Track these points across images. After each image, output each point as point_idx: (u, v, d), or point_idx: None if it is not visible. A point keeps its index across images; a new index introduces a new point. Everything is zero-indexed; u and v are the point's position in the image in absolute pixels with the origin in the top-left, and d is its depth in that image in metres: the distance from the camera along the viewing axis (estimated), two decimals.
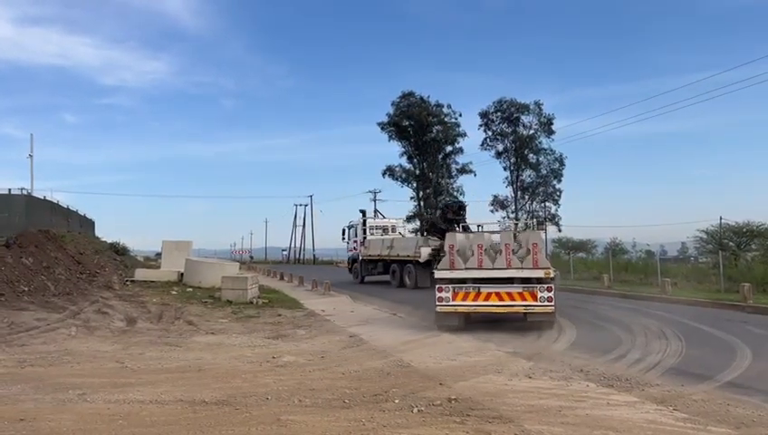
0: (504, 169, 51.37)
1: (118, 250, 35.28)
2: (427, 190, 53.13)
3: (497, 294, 12.32)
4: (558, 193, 50.46)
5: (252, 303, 17.12)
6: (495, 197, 51.58)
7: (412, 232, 39.14)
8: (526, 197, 51.02)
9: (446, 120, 52.32)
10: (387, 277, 26.97)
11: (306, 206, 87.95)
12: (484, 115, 51.38)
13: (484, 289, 12.34)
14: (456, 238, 13.57)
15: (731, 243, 31.38)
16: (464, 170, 52.94)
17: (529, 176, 50.75)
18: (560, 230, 51.12)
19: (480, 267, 12.68)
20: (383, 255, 27.08)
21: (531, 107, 49.80)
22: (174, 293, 19.25)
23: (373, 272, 28.41)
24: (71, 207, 35.69)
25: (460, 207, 25.41)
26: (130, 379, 7.56)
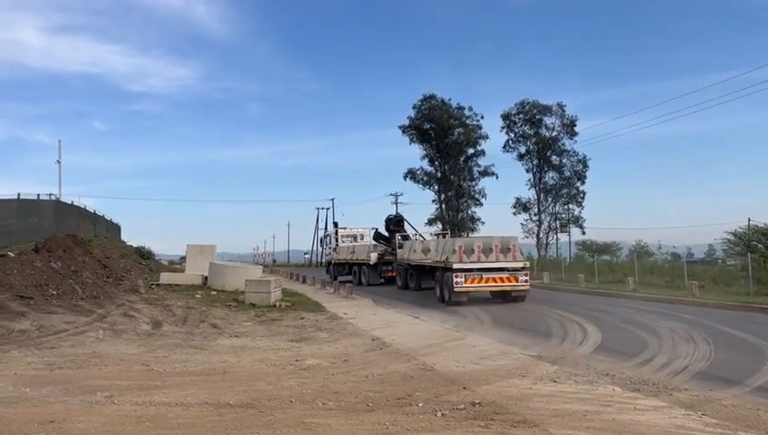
0: (527, 171, 51.08)
1: (143, 254, 35.76)
2: (449, 193, 53.00)
3: (493, 278, 18.57)
4: (581, 195, 50.00)
5: (275, 306, 17.22)
6: (518, 199, 51.32)
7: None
8: (549, 199, 50.62)
9: (467, 122, 52.12)
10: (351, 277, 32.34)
11: (328, 209, 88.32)
12: (506, 117, 51.14)
13: (486, 275, 18.49)
14: (465, 242, 19.94)
15: (760, 245, 30.66)
16: (486, 173, 52.72)
17: (552, 178, 50.39)
18: (583, 232, 50.71)
19: (479, 261, 18.64)
20: (348, 259, 33.13)
21: (553, 108, 49.48)
22: (198, 296, 19.44)
23: (342, 272, 33.64)
24: (97, 212, 36.30)
25: (399, 220, 31.58)
26: (157, 381, 7.65)
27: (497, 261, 18.64)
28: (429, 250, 22.50)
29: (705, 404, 6.37)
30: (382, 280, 29.53)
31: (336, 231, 36.97)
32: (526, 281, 18.77)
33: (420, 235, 31.49)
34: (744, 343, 11.09)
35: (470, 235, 52.37)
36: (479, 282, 18.47)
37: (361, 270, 31.23)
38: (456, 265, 18.45)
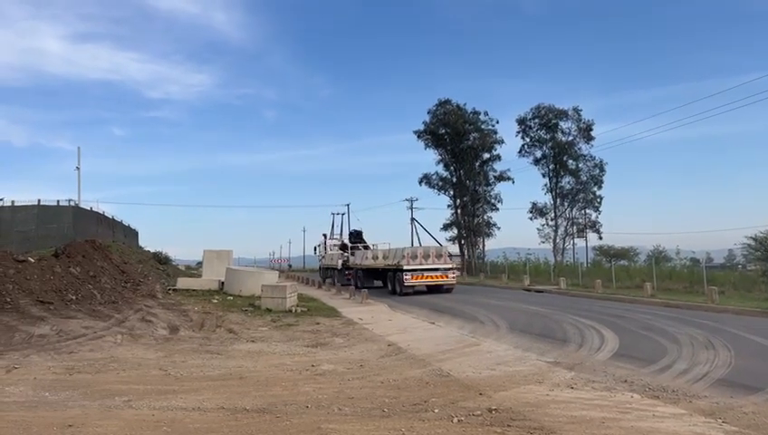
0: (543, 175, 50.79)
1: (160, 259, 36.12)
2: (465, 198, 52.76)
3: (431, 275, 26.06)
4: (598, 200, 49.57)
5: (291, 311, 17.27)
6: (534, 204, 51.02)
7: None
8: (566, 204, 50.25)
9: (482, 127, 51.91)
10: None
11: (343, 214, 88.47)
12: (521, 122, 50.94)
13: (426, 273, 25.97)
14: (411, 250, 27.27)
15: None
16: (501, 178, 52.42)
17: (568, 183, 50.01)
18: (600, 238, 50.16)
19: (422, 264, 26.09)
20: (330, 264, 40.23)
21: (569, 113, 49.18)
22: (215, 301, 19.57)
23: (328, 275, 40.13)
24: (116, 218, 36.73)
25: (358, 234, 40.00)
26: (174, 386, 7.70)
27: (433, 263, 26.31)
28: (378, 257, 30.44)
29: (725, 412, 6.29)
30: (348, 281, 34.05)
31: (325, 241, 44.97)
32: (454, 277, 26.95)
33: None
34: (764, 350, 10.92)
35: (486, 241, 52.51)
36: (421, 278, 25.86)
37: (334, 273, 37.81)
38: (405, 267, 25.73)
